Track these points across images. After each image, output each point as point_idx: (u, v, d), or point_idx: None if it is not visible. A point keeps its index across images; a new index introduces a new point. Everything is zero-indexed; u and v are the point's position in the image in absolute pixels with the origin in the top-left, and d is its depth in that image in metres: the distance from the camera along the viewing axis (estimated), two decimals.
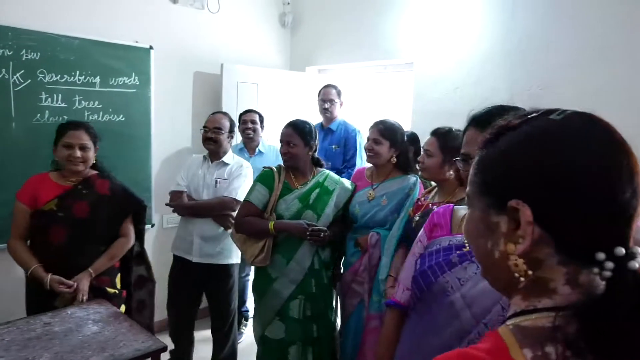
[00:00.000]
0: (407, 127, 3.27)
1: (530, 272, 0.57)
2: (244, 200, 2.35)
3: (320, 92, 3.43)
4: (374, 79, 4.14)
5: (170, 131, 3.42)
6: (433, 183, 2.14)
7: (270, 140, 3.45)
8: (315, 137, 2.32)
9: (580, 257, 0.54)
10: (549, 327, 0.53)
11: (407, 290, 1.31)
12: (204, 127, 2.69)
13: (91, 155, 2.18)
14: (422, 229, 1.38)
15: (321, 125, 3.45)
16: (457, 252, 1.18)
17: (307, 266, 2.20)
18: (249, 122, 3.28)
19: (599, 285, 0.53)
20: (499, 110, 1.10)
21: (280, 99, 3.79)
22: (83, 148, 2.14)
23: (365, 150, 2.32)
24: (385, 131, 2.25)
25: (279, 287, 2.20)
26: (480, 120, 1.13)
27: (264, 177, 2.30)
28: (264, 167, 2.42)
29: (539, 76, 2.67)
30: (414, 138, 2.58)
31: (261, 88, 3.74)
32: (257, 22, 3.91)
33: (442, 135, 1.95)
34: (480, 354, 0.54)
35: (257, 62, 3.88)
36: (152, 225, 3.34)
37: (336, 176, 2.38)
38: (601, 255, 0.52)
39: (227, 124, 2.69)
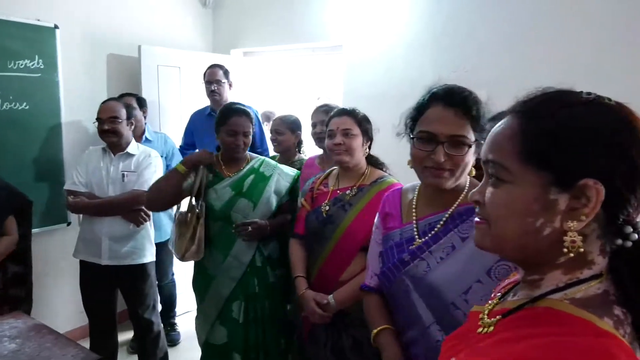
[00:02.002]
0: None
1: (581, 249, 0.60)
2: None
3: (205, 74, 3.17)
4: (303, 61, 4.08)
5: (83, 120, 3.09)
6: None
7: (171, 127, 3.21)
8: None
9: (612, 231, 0.60)
10: (602, 293, 0.59)
11: (376, 276, 1.28)
12: (98, 118, 2.38)
13: None
14: (377, 215, 1.35)
15: (211, 110, 3.16)
16: (409, 247, 1.17)
17: (247, 262, 2.02)
18: None
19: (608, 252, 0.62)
20: (459, 89, 1.14)
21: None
22: None
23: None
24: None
25: (218, 286, 2.03)
26: (446, 97, 1.11)
27: None
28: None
29: (464, 59, 2.75)
30: (299, 124, 2.61)
31: (184, 72, 3.52)
32: (175, 1, 3.65)
33: (355, 114, 1.78)
34: (580, 340, 0.54)
35: (179, 45, 3.63)
36: (69, 224, 3.04)
37: (273, 162, 2.21)
38: (629, 229, 0.59)
39: (123, 111, 2.41)
